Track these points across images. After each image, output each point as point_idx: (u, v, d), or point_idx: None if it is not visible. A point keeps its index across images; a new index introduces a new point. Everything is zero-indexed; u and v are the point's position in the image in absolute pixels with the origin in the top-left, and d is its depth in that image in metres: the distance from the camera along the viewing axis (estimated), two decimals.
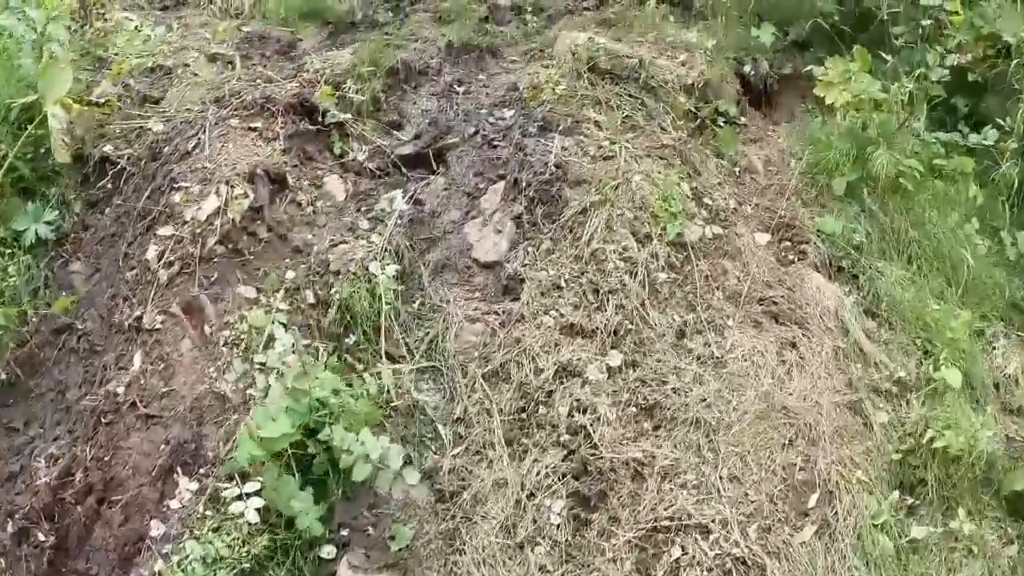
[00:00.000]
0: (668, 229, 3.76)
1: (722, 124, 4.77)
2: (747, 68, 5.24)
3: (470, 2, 5.87)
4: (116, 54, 4.84)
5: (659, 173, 4.00)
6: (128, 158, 4.16)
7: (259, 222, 3.73)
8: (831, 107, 4.47)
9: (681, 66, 4.86)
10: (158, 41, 5.06)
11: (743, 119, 4.91)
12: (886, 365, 3.64)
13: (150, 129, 4.26)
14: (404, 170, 4.32)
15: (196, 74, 4.78)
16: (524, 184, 3.86)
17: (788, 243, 4.02)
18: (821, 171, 4.31)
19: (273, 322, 3.35)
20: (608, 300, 3.50)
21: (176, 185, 3.83)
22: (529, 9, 5.96)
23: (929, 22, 4.59)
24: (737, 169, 4.39)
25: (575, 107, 4.39)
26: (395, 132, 4.54)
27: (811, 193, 4.23)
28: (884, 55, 4.42)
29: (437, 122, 4.49)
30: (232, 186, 3.78)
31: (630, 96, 4.57)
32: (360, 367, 3.38)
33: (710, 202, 4.11)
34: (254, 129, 4.15)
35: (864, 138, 4.24)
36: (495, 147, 4.20)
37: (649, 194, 3.87)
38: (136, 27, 5.21)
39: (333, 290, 3.58)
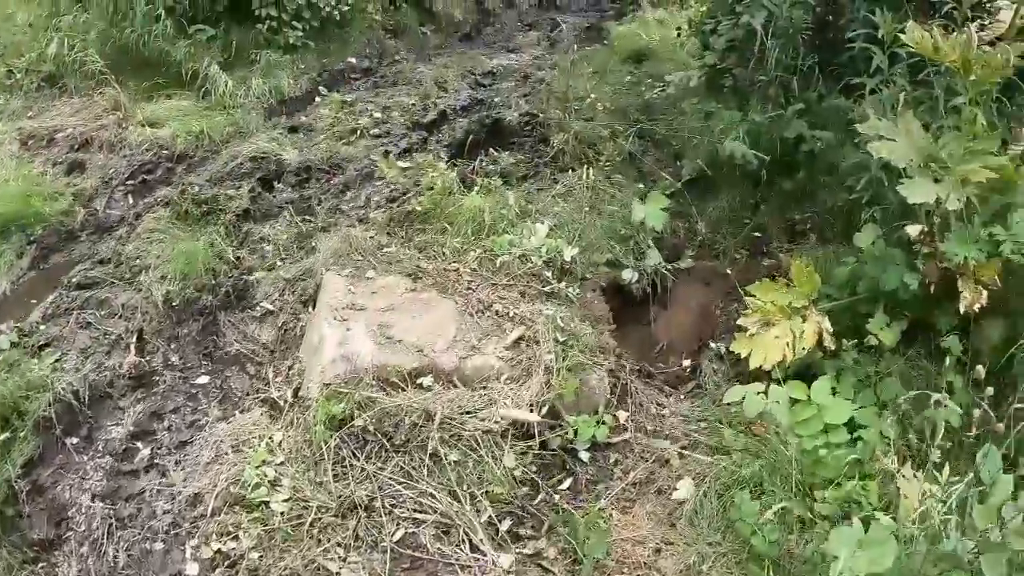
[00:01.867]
0: None
1: (584, 458, 2.92)
2: (627, 275, 3.73)
3: (234, 169, 3.96)
4: None
5: None
6: None
7: None
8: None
9: (506, 374, 2.80)
10: None
11: (621, 424, 3.08)
12: None
13: None
14: None
15: None
16: None
17: None
18: None
19: None
20: None
21: None
22: (323, 170, 3.94)
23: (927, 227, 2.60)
24: None
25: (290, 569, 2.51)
26: None
27: None
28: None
29: None
30: None
31: (404, 480, 2.62)
32: None
33: None
34: None
35: None
36: None
37: None
38: None
39: None
